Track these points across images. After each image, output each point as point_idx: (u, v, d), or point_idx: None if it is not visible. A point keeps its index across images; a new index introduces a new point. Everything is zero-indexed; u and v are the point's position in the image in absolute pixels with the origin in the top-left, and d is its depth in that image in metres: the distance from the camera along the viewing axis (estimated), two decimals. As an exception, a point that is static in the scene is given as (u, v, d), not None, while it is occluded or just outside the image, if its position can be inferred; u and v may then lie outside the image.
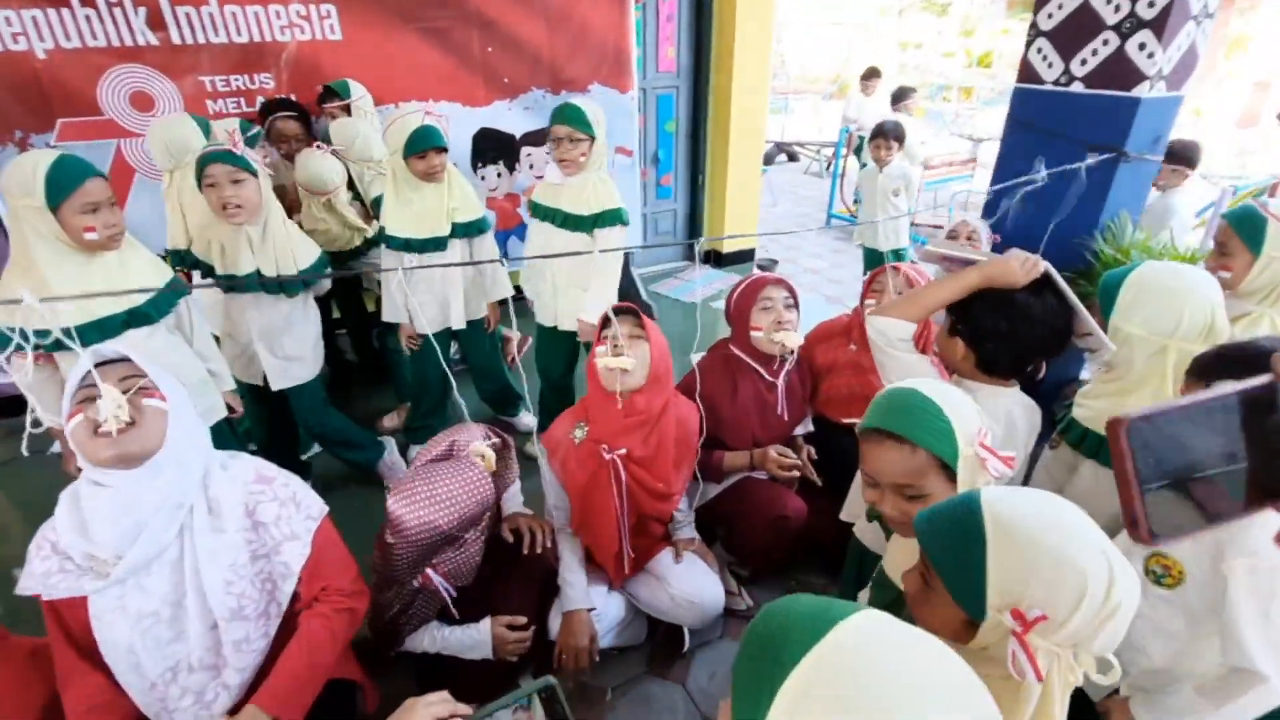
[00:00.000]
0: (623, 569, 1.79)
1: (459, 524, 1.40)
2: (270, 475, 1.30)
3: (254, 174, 1.88)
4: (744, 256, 4.92)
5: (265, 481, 1.28)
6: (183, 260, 2.22)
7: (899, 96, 5.31)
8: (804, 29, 13.90)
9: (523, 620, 1.61)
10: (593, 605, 1.73)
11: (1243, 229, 1.53)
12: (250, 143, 2.20)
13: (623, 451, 1.65)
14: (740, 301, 1.93)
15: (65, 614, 1.13)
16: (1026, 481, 1.62)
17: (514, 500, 1.86)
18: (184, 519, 1.17)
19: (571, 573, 1.75)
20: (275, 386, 2.14)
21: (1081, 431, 1.42)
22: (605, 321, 1.64)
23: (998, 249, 2.41)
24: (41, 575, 1.10)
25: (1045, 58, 2.35)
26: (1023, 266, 1.26)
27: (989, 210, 2.42)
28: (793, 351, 1.94)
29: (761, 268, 4.91)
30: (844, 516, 1.66)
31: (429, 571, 1.50)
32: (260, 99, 2.77)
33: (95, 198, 1.49)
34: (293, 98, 2.79)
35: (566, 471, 1.71)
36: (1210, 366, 1.02)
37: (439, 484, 1.39)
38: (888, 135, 3.65)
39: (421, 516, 1.36)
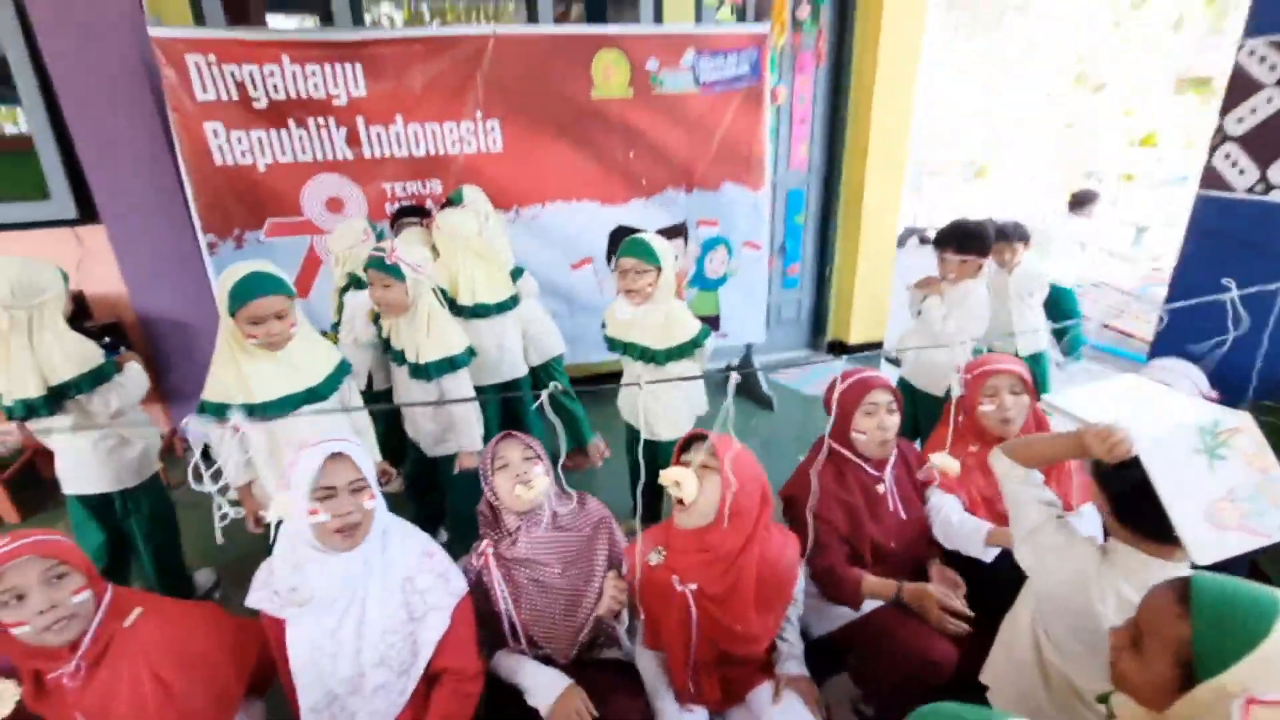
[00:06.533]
0: (686, 695, 1.65)
1: None
2: (433, 550, 1.52)
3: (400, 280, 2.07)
4: (871, 345, 4.72)
5: (428, 555, 1.49)
6: None
7: (1082, 200, 4.62)
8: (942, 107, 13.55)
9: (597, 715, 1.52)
10: None
11: None
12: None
13: (694, 587, 1.56)
14: (844, 399, 1.84)
15: (271, 632, 1.37)
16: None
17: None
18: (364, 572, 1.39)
19: (663, 700, 1.64)
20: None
21: None
22: (683, 448, 1.59)
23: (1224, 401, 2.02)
24: (258, 599, 1.37)
25: (1235, 164, 2.13)
26: (1104, 443, 1.05)
27: (1165, 345, 2.15)
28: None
29: (891, 360, 4.69)
30: (984, 678, 1.45)
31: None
32: (429, 201, 3.11)
33: (260, 313, 1.69)
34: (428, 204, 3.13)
35: (640, 593, 1.65)
36: None
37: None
38: (1010, 237, 3.22)
39: None
